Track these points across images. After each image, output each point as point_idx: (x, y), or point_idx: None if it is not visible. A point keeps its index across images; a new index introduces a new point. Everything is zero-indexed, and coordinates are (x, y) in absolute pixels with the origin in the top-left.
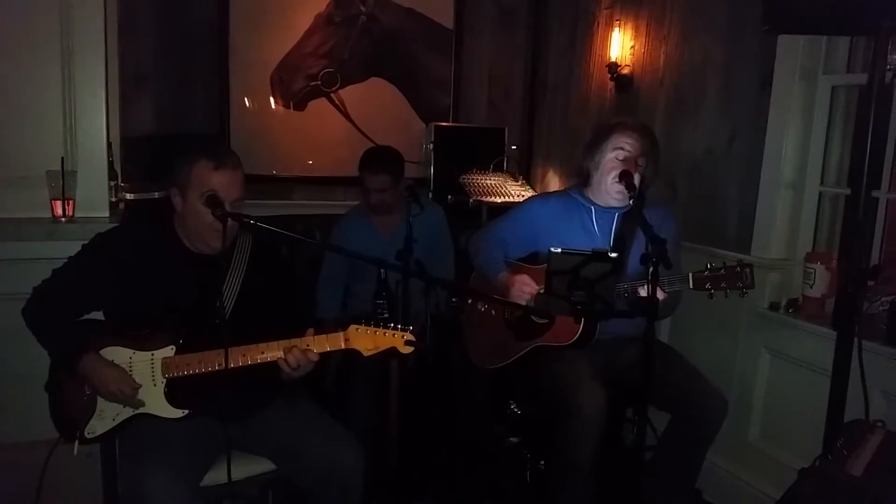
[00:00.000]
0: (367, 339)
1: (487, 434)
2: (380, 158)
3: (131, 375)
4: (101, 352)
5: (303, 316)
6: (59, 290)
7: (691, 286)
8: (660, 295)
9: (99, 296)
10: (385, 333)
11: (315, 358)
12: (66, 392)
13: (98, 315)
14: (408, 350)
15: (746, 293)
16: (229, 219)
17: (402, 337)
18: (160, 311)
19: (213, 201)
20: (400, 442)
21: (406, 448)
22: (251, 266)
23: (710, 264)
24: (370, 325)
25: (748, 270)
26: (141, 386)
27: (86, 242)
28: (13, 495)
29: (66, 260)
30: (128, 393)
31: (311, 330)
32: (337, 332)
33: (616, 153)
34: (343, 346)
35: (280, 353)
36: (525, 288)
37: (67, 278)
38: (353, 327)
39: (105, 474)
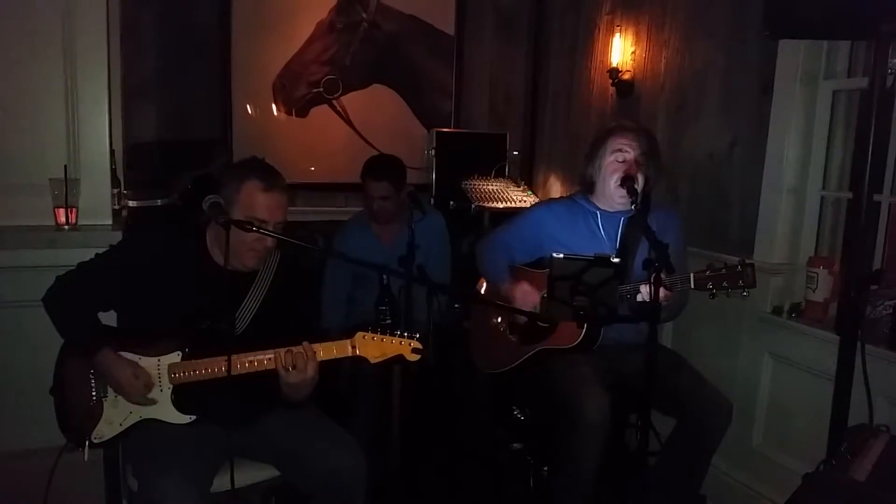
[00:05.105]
0: (374, 347)
1: (490, 440)
2: (382, 166)
3: (149, 374)
4: None
5: (309, 326)
6: (83, 281)
7: (692, 286)
8: (662, 294)
9: (119, 295)
10: (392, 341)
11: (311, 353)
12: (72, 397)
13: (111, 315)
14: (414, 358)
15: (748, 293)
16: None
17: (409, 344)
18: (175, 320)
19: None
20: (402, 447)
21: (408, 454)
22: (275, 283)
23: (712, 264)
24: (377, 333)
25: (749, 269)
26: (154, 384)
27: (114, 244)
28: (17, 503)
29: (71, 266)
30: (139, 390)
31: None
32: (344, 339)
33: (616, 155)
34: (350, 354)
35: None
36: (527, 299)
37: (92, 271)
38: (360, 334)
39: (108, 480)
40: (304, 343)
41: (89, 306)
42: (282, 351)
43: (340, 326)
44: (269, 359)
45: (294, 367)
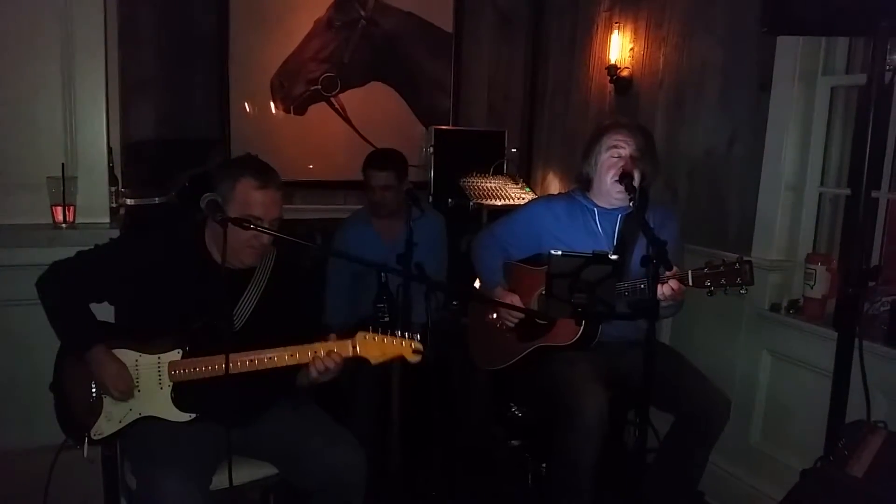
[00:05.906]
0: (374, 347)
1: (488, 437)
2: (385, 156)
3: (132, 376)
4: None
5: (312, 322)
6: (80, 271)
7: (690, 283)
8: (667, 291)
9: (116, 290)
10: (393, 341)
11: (339, 359)
12: (72, 393)
13: (107, 310)
14: (415, 358)
15: (746, 291)
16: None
17: (410, 345)
18: (174, 318)
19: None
20: (401, 445)
21: (407, 451)
22: (272, 279)
23: (710, 261)
24: (378, 333)
25: (747, 267)
26: (138, 388)
27: (115, 237)
28: (16, 501)
29: None
30: (122, 390)
31: (332, 335)
32: (345, 339)
33: (611, 152)
34: (351, 354)
35: (287, 357)
36: (513, 313)
37: (91, 263)
38: (360, 335)
39: (106, 478)
40: (332, 345)
41: (83, 296)
42: (309, 351)
43: (344, 323)
44: (270, 357)
45: (327, 370)
